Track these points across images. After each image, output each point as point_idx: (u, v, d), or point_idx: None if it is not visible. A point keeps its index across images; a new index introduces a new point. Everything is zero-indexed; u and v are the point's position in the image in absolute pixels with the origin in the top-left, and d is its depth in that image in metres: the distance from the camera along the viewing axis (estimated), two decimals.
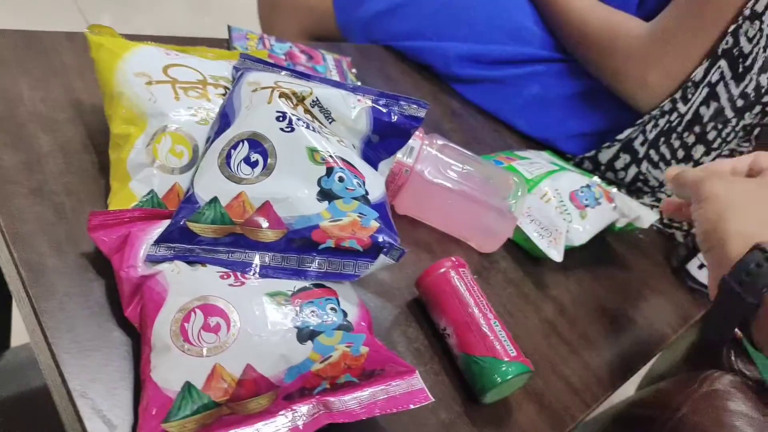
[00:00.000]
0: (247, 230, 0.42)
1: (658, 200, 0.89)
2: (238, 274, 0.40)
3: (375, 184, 0.45)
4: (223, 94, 0.49)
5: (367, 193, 0.44)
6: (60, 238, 0.43)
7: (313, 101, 0.46)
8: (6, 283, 0.45)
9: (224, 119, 0.45)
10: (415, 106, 0.49)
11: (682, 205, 0.58)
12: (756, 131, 0.94)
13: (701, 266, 0.73)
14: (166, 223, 0.41)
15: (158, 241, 0.41)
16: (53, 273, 0.41)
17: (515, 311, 0.59)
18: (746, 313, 0.44)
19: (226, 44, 0.71)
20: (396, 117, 0.48)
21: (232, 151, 0.43)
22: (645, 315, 0.69)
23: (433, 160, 0.59)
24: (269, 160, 0.43)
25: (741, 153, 0.99)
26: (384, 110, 0.48)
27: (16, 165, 0.46)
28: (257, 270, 0.41)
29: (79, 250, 0.43)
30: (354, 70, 0.79)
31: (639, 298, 0.70)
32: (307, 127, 0.44)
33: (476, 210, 0.60)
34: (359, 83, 0.77)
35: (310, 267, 0.42)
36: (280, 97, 0.45)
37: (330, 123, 0.47)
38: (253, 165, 0.43)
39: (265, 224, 0.42)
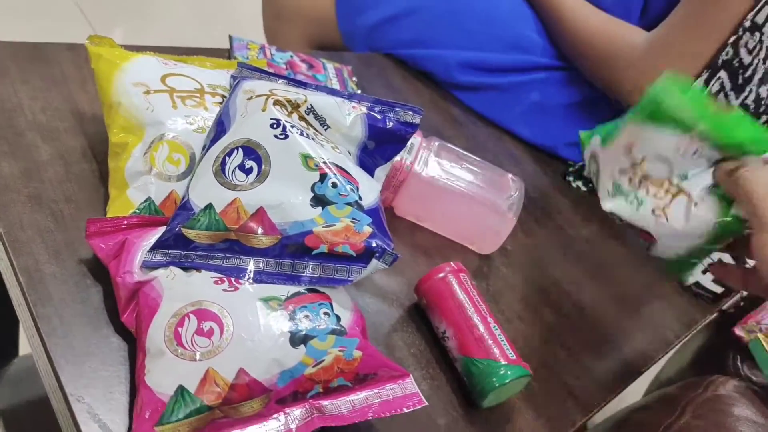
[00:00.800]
0: (241, 236, 0.42)
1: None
2: (233, 279, 0.41)
3: (369, 189, 0.46)
4: (221, 103, 0.50)
5: (360, 198, 0.45)
6: (58, 246, 0.43)
7: (307, 108, 0.47)
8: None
9: (220, 127, 0.46)
10: (410, 112, 0.49)
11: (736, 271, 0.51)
12: None
13: (705, 271, 0.73)
14: (163, 229, 0.42)
15: (154, 247, 0.41)
16: (51, 279, 0.41)
17: (514, 316, 0.59)
18: None
19: (227, 54, 0.72)
20: (391, 123, 0.49)
21: (227, 158, 0.43)
22: (647, 320, 0.68)
23: (431, 160, 0.60)
24: (263, 167, 0.43)
25: None
26: (379, 117, 0.48)
27: (15, 173, 0.46)
28: (251, 275, 0.41)
29: (77, 257, 0.43)
30: (354, 78, 0.80)
31: (642, 304, 0.70)
32: (301, 134, 0.45)
33: (475, 209, 0.60)
34: (359, 91, 0.78)
35: (303, 272, 0.42)
36: (274, 104, 0.45)
37: (325, 130, 0.48)
38: (248, 172, 0.43)
39: (259, 230, 0.42)
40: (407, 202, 0.61)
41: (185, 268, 0.41)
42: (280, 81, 0.50)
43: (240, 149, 0.43)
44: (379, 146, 0.49)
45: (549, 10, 0.84)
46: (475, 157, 0.64)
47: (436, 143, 0.62)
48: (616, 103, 0.80)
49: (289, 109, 0.46)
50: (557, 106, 0.85)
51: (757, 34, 0.69)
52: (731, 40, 0.70)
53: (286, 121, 0.45)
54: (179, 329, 0.37)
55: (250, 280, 0.41)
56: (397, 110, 0.49)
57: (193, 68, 0.51)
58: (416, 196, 0.60)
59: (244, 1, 1.94)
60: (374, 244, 0.42)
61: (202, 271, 0.41)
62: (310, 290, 0.42)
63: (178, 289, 0.39)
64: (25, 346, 0.91)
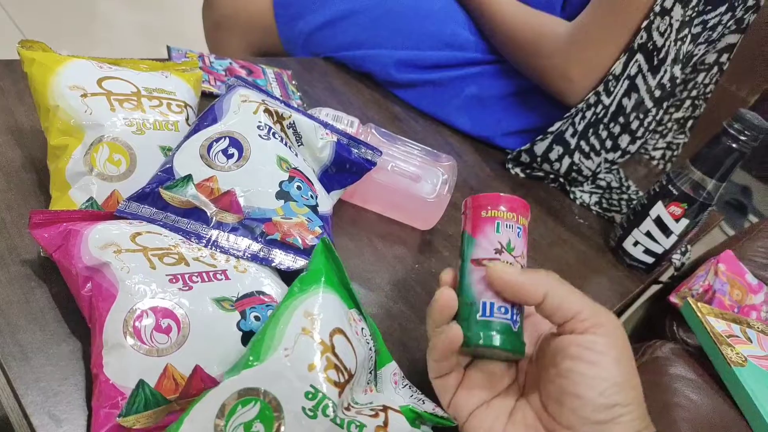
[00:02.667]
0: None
1: (598, 187, 0.93)
2: (186, 278, 0.42)
3: (325, 201, 0.53)
4: (158, 106, 0.52)
5: (317, 205, 0.51)
6: (1, 251, 0.44)
7: (290, 123, 0.54)
8: None
9: (212, 115, 0.51)
10: (371, 152, 0.59)
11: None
12: (689, 123, 1.00)
13: (636, 243, 0.77)
14: (107, 222, 0.43)
15: (130, 198, 0.45)
16: None
17: None
18: None
19: None
20: (355, 156, 0.57)
21: (214, 143, 0.49)
22: (585, 293, 0.72)
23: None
24: (243, 156, 0.49)
25: (677, 145, 1.04)
26: (346, 148, 0.57)
27: None
28: (209, 243, 0.46)
29: (21, 262, 0.44)
30: (294, 82, 0.82)
31: (579, 278, 0.74)
32: (281, 141, 0.52)
33: (412, 187, 0.63)
34: (299, 94, 0.80)
35: (253, 250, 0.47)
36: (264, 111, 0.52)
37: (299, 146, 0.55)
38: (229, 157, 0.48)
39: (226, 207, 0.47)
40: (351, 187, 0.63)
41: (136, 266, 0.41)
42: (271, 98, 0.56)
43: (227, 138, 0.49)
44: (339, 173, 0.57)
45: (478, 7, 0.88)
46: (408, 140, 0.67)
47: (373, 128, 0.65)
48: (548, 95, 0.85)
49: (275, 118, 0.53)
50: (493, 97, 0.89)
51: (667, 17, 0.74)
52: (644, 24, 0.75)
53: (271, 127, 0.52)
54: (137, 324, 0.37)
55: (208, 247, 0.45)
56: (362, 147, 0.58)
57: (128, 71, 0.52)
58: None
59: (189, 19, 1.94)
60: None
61: (157, 267, 0.42)
62: (258, 292, 0.44)
63: (134, 283, 0.39)
64: None
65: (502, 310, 0.39)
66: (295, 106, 0.62)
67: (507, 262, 0.40)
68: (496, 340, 0.39)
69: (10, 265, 0.43)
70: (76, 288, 0.40)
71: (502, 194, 0.42)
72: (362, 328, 0.42)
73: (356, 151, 0.58)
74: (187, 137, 0.50)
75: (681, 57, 0.77)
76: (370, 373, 0.42)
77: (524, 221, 0.43)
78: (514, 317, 0.40)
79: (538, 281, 0.38)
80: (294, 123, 0.54)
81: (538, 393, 0.40)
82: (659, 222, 0.75)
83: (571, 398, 0.37)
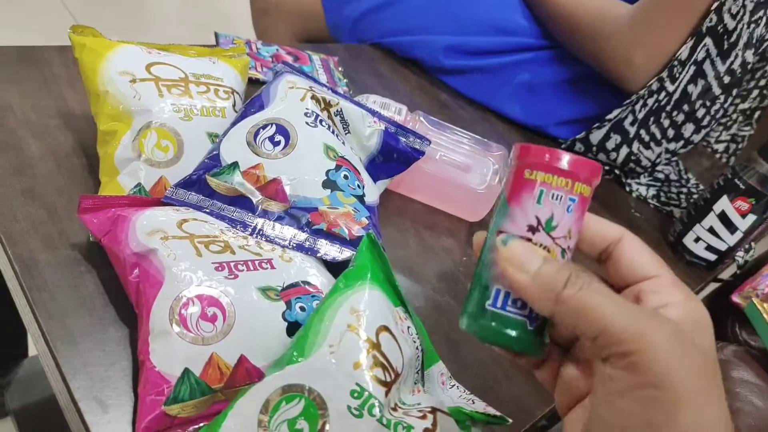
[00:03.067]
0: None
1: (656, 179, 0.89)
2: (232, 266, 0.41)
3: (372, 191, 0.52)
4: (205, 92, 0.51)
5: (364, 195, 0.49)
6: (52, 236, 0.44)
7: (337, 111, 0.53)
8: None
9: (259, 102, 0.50)
10: (419, 141, 0.56)
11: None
12: (756, 114, 0.94)
13: (697, 239, 0.73)
14: (154, 208, 0.43)
15: (177, 185, 0.44)
16: (45, 267, 0.42)
17: None
18: None
19: None
20: (402, 145, 0.55)
21: (261, 130, 0.48)
22: None
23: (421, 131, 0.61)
24: (290, 144, 0.48)
25: (743, 137, 0.99)
26: (394, 136, 0.55)
27: (7, 168, 0.47)
28: (254, 231, 0.45)
29: (70, 246, 0.44)
30: (341, 69, 0.80)
31: None
32: (328, 128, 0.51)
33: (461, 177, 0.61)
34: (346, 81, 0.78)
35: (299, 239, 0.46)
36: (312, 98, 0.51)
37: (346, 134, 0.53)
38: (276, 144, 0.48)
39: (272, 196, 0.46)
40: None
41: (185, 253, 0.41)
42: (318, 85, 0.55)
43: (274, 125, 0.48)
44: (386, 162, 0.56)
45: None
46: (458, 128, 0.65)
47: (421, 116, 0.63)
48: (604, 79, 0.81)
49: (323, 105, 0.52)
50: (546, 84, 0.86)
51: None
52: (714, 6, 0.70)
53: (318, 115, 0.51)
54: (184, 312, 0.37)
55: (252, 234, 0.45)
56: (410, 136, 0.56)
57: (177, 57, 0.51)
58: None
59: (235, 5, 1.95)
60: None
61: (203, 255, 0.41)
62: (304, 282, 0.43)
63: (181, 270, 0.39)
64: (33, 349, 0.93)
65: (518, 303, 0.30)
66: (342, 92, 0.60)
67: (539, 246, 0.29)
68: (503, 337, 0.30)
69: (59, 249, 0.44)
70: (123, 274, 0.40)
71: (561, 150, 0.30)
72: (408, 327, 0.41)
73: (404, 139, 0.56)
74: (233, 124, 0.49)
75: (754, 41, 0.72)
76: (417, 372, 0.40)
77: (584, 189, 0.31)
78: (533, 313, 0.30)
79: (555, 287, 0.27)
80: (341, 110, 0.53)
81: None
82: (724, 217, 0.70)
83: None
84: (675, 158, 0.85)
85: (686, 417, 0.25)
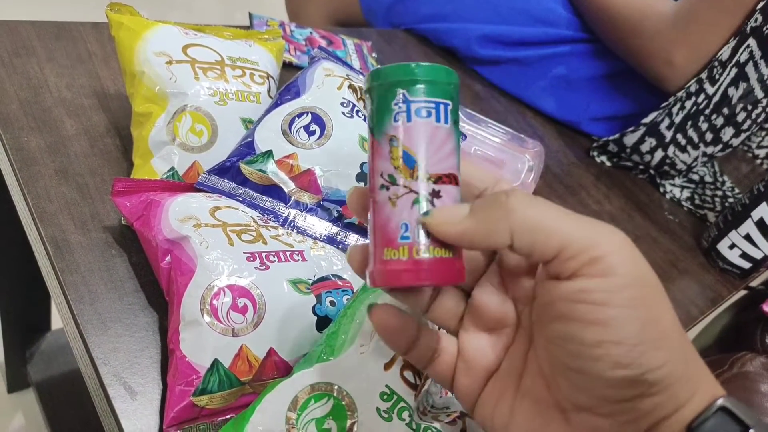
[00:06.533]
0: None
1: (690, 181, 0.86)
2: (263, 256, 0.41)
3: None
4: (241, 76, 0.50)
5: None
6: (84, 217, 0.44)
7: None
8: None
9: (294, 89, 0.49)
10: None
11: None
12: None
13: (732, 246, 0.71)
14: (186, 194, 0.42)
15: (210, 171, 0.44)
16: (77, 249, 0.42)
17: None
18: None
19: None
20: None
21: (296, 118, 0.47)
22: (672, 295, 0.67)
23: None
24: (325, 134, 0.47)
25: None
26: None
27: (41, 148, 0.47)
28: (286, 222, 0.45)
29: (103, 228, 0.44)
30: (374, 55, 0.79)
31: (667, 280, 0.69)
32: (365, 119, 0.48)
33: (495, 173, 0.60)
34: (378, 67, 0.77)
35: (331, 232, 0.45)
36: (349, 87, 0.50)
37: None
38: (311, 134, 0.47)
39: (305, 187, 0.45)
40: None
41: (216, 242, 0.40)
42: (354, 72, 0.54)
43: (309, 114, 0.47)
44: None
45: None
46: (493, 122, 0.63)
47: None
48: (642, 77, 0.78)
49: (360, 95, 0.50)
50: (582, 79, 0.84)
51: None
52: (760, 5, 0.67)
53: (355, 105, 0.49)
54: (215, 302, 0.37)
55: (283, 225, 0.44)
56: None
57: (213, 39, 0.51)
58: None
59: None
60: None
61: (235, 244, 0.41)
62: (334, 276, 0.42)
63: (213, 259, 0.38)
64: (56, 322, 0.94)
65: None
66: None
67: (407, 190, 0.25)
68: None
69: (91, 231, 0.43)
70: (155, 259, 0.40)
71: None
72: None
73: None
74: (268, 111, 0.48)
75: None
76: None
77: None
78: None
79: (494, 219, 0.24)
80: None
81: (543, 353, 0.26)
82: (762, 225, 0.68)
83: (574, 375, 0.24)
84: (712, 161, 0.83)
85: (671, 312, 0.24)
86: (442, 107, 0.25)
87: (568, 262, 0.23)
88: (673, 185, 0.84)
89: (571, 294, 0.23)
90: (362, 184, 0.46)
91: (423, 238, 0.24)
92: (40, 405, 0.88)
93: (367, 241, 0.26)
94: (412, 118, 0.24)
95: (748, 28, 0.69)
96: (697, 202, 0.84)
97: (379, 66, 0.26)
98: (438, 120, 0.24)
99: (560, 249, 0.23)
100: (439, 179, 0.24)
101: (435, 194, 0.24)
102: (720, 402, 0.24)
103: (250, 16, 0.75)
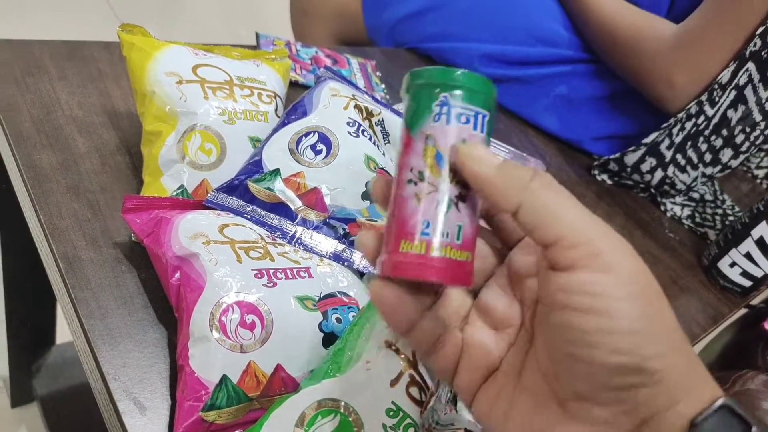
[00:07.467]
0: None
1: (691, 199, 0.87)
2: (271, 273, 0.41)
3: None
4: (249, 95, 0.51)
5: None
6: (95, 233, 0.45)
7: (378, 121, 0.53)
8: (49, 281, 0.48)
9: (302, 109, 0.51)
10: None
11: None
12: None
13: (733, 264, 0.72)
14: (195, 211, 0.43)
15: (219, 189, 0.45)
16: (88, 265, 0.43)
17: None
18: None
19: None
20: None
21: (304, 137, 0.48)
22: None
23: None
24: (331, 153, 0.48)
25: None
26: None
27: (53, 165, 0.48)
28: (292, 239, 0.46)
29: (113, 244, 0.45)
30: (378, 74, 0.80)
31: (668, 297, 0.69)
32: (370, 139, 0.51)
33: None
34: (383, 86, 0.78)
35: (337, 250, 0.46)
36: (355, 107, 0.51)
37: (386, 144, 0.53)
38: (317, 153, 0.48)
39: (311, 205, 0.46)
40: None
41: (223, 259, 0.41)
42: (359, 92, 0.55)
43: (316, 133, 0.48)
44: None
45: (576, 1, 0.83)
46: (494, 140, 0.64)
47: None
48: (643, 97, 0.80)
49: (365, 115, 0.52)
50: (583, 99, 0.85)
51: None
52: (759, 31, 0.69)
53: (361, 124, 0.51)
54: (223, 318, 0.37)
55: (290, 242, 0.45)
56: None
57: (222, 59, 0.52)
58: None
59: (270, 2, 1.96)
60: None
61: (243, 261, 0.41)
62: (340, 293, 0.43)
63: (221, 276, 0.39)
64: (61, 336, 0.94)
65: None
66: (378, 98, 0.60)
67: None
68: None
69: (102, 247, 0.44)
70: (165, 276, 0.41)
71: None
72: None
73: None
74: (276, 130, 0.49)
75: None
76: (450, 392, 0.40)
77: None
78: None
79: (512, 184, 0.25)
80: (383, 120, 0.53)
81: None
82: (762, 244, 0.69)
83: (573, 362, 0.24)
84: (711, 181, 0.84)
85: (670, 312, 0.25)
86: (480, 117, 0.26)
87: (567, 251, 0.24)
88: (674, 203, 0.85)
89: (572, 286, 0.24)
90: (367, 203, 0.47)
91: (441, 239, 0.25)
92: (44, 419, 0.88)
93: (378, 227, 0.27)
94: (451, 121, 0.25)
95: (747, 53, 0.70)
96: (697, 220, 0.84)
97: (421, 67, 0.27)
98: (474, 128, 0.26)
99: (561, 236, 0.24)
100: (466, 184, 0.25)
101: (461, 197, 0.25)
102: (722, 401, 0.25)
103: (257, 36, 0.76)
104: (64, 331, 0.92)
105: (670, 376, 0.24)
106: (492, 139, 0.66)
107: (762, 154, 0.97)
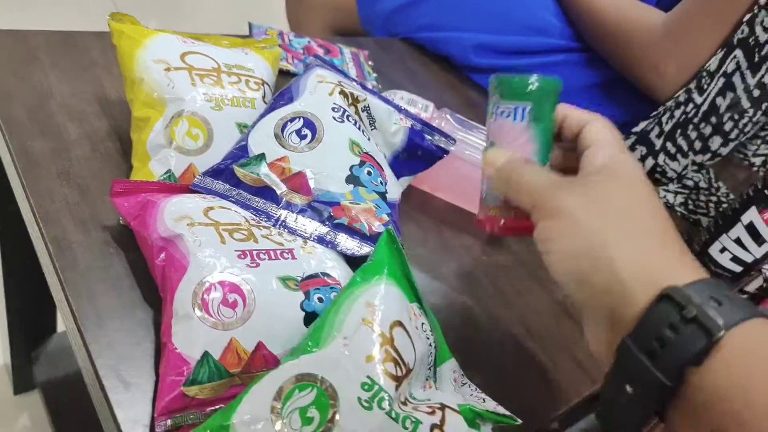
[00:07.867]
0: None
1: (685, 187, 0.87)
2: (254, 254, 0.42)
3: (394, 188, 0.52)
4: (237, 82, 0.52)
5: (386, 191, 0.50)
6: (84, 217, 0.46)
7: (364, 107, 0.54)
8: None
9: (288, 95, 0.51)
10: (444, 140, 0.57)
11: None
12: None
13: (723, 250, 0.72)
14: (182, 195, 0.44)
15: (205, 174, 0.46)
16: (77, 247, 0.44)
17: (525, 291, 0.60)
18: (660, 397, 0.29)
19: None
20: (427, 143, 0.56)
21: (289, 123, 0.49)
22: None
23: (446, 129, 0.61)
24: (316, 138, 0.49)
25: None
26: (419, 134, 0.55)
27: (45, 151, 0.49)
28: (277, 222, 0.46)
29: (102, 228, 0.46)
30: (371, 63, 0.81)
31: None
32: (355, 124, 0.51)
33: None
34: (375, 75, 0.79)
35: (320, 232, 0.47)
36: (340, 93, 0.52)
37: (372, 129, 0.54)
38: (302, 138, 0.49)
39: (296, 188, 0.47)
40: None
41: (209, 240, 0.42)
42: (347, 79, 0.56)
43: (301, 119, 0.49)
44: (410, 159, 0.56)
45: None
46: (485, 128, 0.65)
47: (448, 114, 0.64)
48: (633, 85, 0.80)
49: (350, 101, 0.53)
50: (575, 88, 0.85)
51: None
52: (746, 18, 0.69)
53: (346, 110, 0.51)
54: (206, 297, 0.38)
55: (275, 225, 0.46)
56: (435, 134, 0.56)
57: (210, 47, 0.53)
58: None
59: None
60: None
61: (227, 242, 0.42)
62: (323, 274, 0.44)
63: (205, 256, 0.40)
64: (61, 324, 0.96)
65: None
66: (370, 87, 0.61)
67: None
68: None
69: (91, 230, 0.45)
70: (150, 257, 0.42)
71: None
72: (422, 323, 0.41)
73: (429, 138, 0.56)
74: (262, 116, 0.50)
75: None
76: (429, 369, 0.41)
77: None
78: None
79: (503, 181, 0.40)
80: (368, 106, 0.54)
81: None
82: (751, 229, 0.69)
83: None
84: (703, 169, 0.84)
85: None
86: (519, 110, 0.41)
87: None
88: (667, 191, 0.85)
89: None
90: (351, 186, 0.48)
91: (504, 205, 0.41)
92: (46, 406, 0.90)
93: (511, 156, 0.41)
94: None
95: (735, 40, 0.70)
96: (690, 207, 0.85)
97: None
98: (515, 119, 0.41)
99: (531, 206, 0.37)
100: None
101: None
102: (663, 291, 0.30)
103: (250, 25, 0.77)
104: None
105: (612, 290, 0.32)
106: (482, 126, 0.66)
107: (758, 141, 0.96)
